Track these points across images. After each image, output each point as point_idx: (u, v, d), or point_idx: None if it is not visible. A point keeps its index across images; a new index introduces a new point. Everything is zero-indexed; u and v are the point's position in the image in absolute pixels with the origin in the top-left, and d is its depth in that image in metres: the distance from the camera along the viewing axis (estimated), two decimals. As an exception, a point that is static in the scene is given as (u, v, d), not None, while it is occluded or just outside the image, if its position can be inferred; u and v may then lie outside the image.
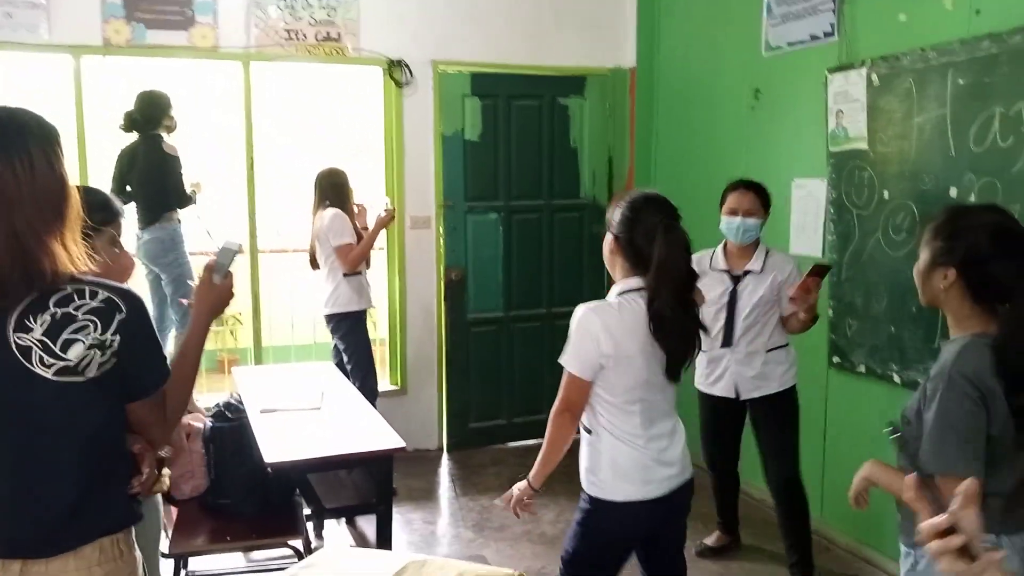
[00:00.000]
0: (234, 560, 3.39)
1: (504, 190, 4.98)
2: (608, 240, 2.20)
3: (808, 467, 3.81)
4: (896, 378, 3.31)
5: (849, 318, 3.55)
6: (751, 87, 4.16)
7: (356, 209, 4.35)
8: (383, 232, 4.55)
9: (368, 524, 3.60)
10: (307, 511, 3.08)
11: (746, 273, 3.21)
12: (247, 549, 3.17)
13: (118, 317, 1.40)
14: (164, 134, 4.31)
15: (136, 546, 1.55)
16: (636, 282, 2.12)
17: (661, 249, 2.06)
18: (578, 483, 2.22)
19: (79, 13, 4.16)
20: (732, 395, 3.25)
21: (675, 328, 2.08)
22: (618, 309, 2.10)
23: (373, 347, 4.50)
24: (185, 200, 4.37)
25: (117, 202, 1.90)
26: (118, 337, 1.39)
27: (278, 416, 2.96)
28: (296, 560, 2.76)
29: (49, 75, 4.81)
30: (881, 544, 3.46)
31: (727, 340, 3.18)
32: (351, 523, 3.81)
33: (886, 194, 3.34)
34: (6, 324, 1.33)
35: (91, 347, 1.37)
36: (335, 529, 3.77)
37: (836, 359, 3.63)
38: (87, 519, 1.42)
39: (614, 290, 2.17)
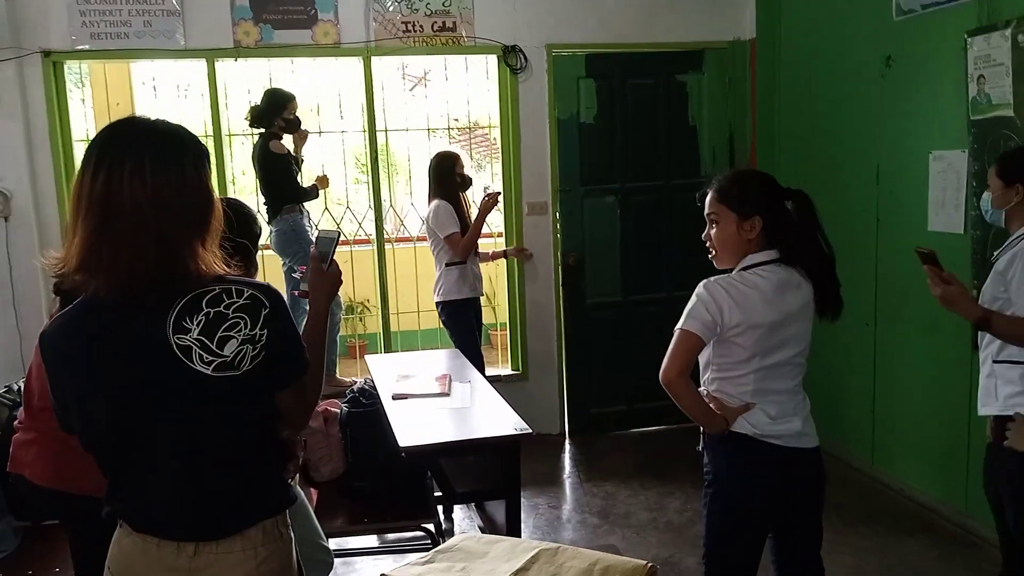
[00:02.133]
0: (368, 541, 3.53)
1: (620, 172, 4.93)
2: (742, 222, 2.16)
3: (952, 457, 3.64)
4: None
5: (996, 298, 3.33)
6: (882, 55, 3.94)
7: (463, 198, 4.43)
8: (501, 218, 4.59)
9: (496, 508, 3.67)
10: (437, 494, 3.16)
11: None
12: (382, 531, 3.29)
13: (263, 312, 1.47)
14: (279, 132, 4.44)
15: (290, 526, 1.64)
16: (766, 255, 2.16)
17: (802, 221, 2.15)
18: (701, 472, 2.25)
19: (211, 18, 4.38)
20: None
21: (834, 290, 2.18)
22: (741, 281, 2.14)
23: (494, 333, 4.56)
24: (303, 195, 4.51)
25: (259, 220, 2.01)
26: (266, 331, 1.47)
27: (409, 402, 3.05)
28: (428, 542, 2.85)
29: (189, 77, 5.10)
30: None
31: None
32: (480, 507, 3.89)
33: (1037, 164, 3.11)
34: (166, 327, 1.42)
35: (243, 342, 1.45)
36: (463, 512, 3.86)
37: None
38: (251, 503, 1.52)
39: (740, 266, 2.19)
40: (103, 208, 1.38)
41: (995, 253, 2.59)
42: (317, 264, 1.77)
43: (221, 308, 1.44)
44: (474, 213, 4.42)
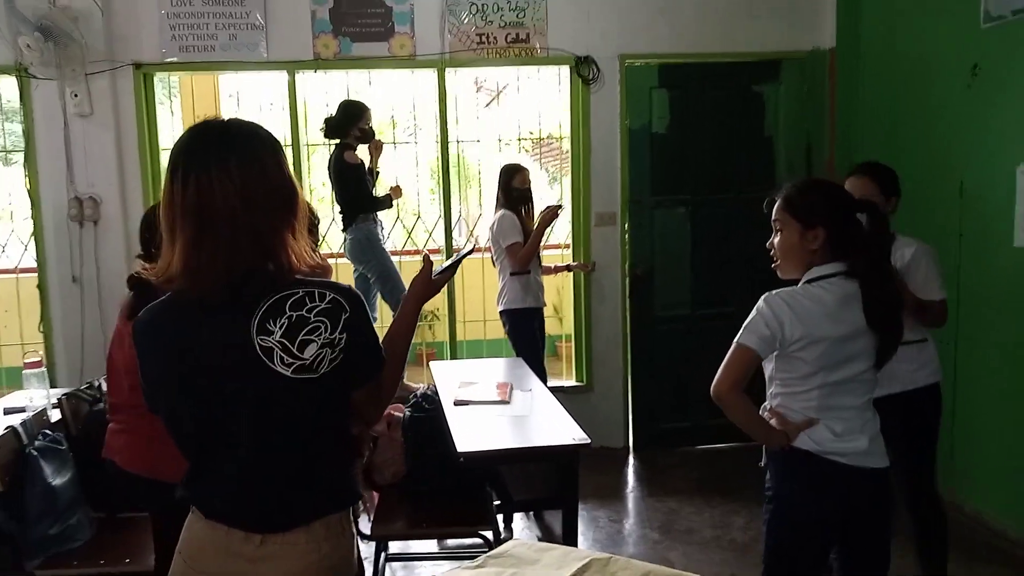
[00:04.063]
0: (429, 546, 3.56)
1: (692, 184, 4.86)
2: (806, 232, 2.11)
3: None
4: None
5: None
6: (969, 63, 3.78)
7: (524, 210, 4.47)
8: (568, 228, 4.56)
9: (554, 518, 3.65)
10: (497, 502, 3.17)
11: None
12: (440, 536, 3.31)
13: (344, 316, 1.50)
14: (354, 142, 4.53)
15: (353, 523, 1.67)
16: (831, 268, 2.10)
17: (870, 234, 2.08)
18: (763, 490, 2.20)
19: (293, 31, 4.53)
20: None
21: (889, 312, 2.08)
22: (804, 295, 2.09)
23: (560, 344, 4.55)
24: (376, 204, 4.59)
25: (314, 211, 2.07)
26: (345, 335, 1.50)
27: (470, 408, 3.07)
28: (486, 549, 2.86)
29: (271, 88, 5.26)
30: None
31: None
32: (539, 517, 3.89)
33: None
34: (250, 328, 1.46)
35: (323, 346, 1.48)
36: (523, 522, 3.86)
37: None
38: (318, 498, 1.56)
39: (804, 278, 2.14)
40: (197, 214, 1.43)
41: None
42: (428, 268, 1.80)
43: (303, 312, 1.47)
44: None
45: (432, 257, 1.87)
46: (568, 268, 4.87)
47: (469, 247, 1.87)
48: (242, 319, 1.46)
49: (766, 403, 2.19)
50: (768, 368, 2.16)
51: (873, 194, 2.83)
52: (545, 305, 4.61)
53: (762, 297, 2.10)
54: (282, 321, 1.46)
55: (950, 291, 3.90)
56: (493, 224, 4.47)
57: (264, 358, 1.45)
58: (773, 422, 2.13)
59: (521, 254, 4.35)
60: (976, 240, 3.77)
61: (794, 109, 4.86)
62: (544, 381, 4.20)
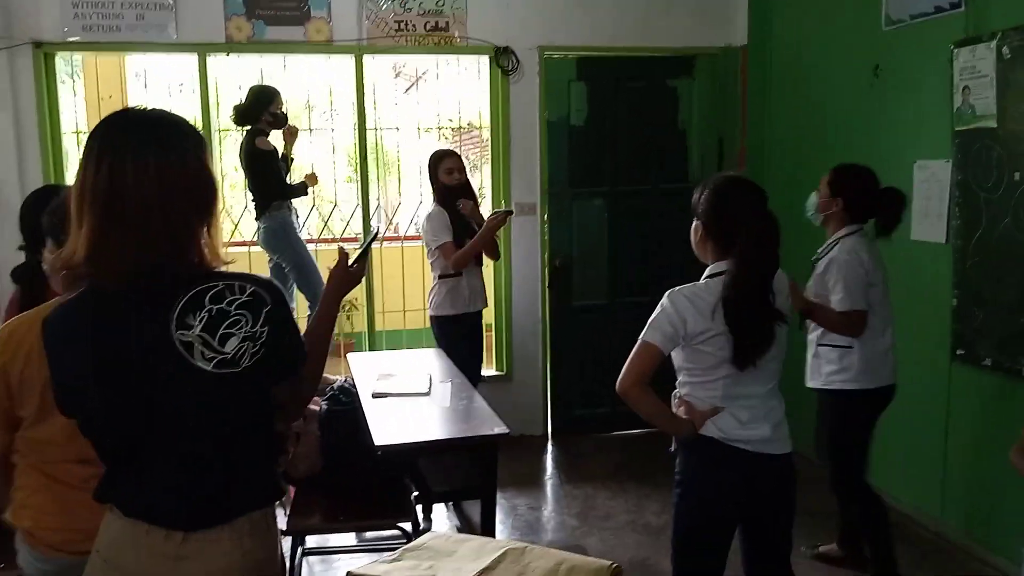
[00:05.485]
0: (348, 539, 3.54)
1: (610, 175, 4.94)
2: (696, 226, 2.23)
3: (928, 465, 3.66)
4: (1027, 372, 3.11)
5: (975, 308, 3.36)
6: (870, 63, 3.96)
7: (461, 205, 4.06)
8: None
9: (474, 508, 3.67)
10: (416, 494, 3.17)
11: None
12: (358, 529, 3.29)
13: (265, 309, 1.49)
14: (266, 128, 4.41)
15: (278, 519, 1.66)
16: (726, 264, 2.15)
17: (745, 234, 2.08)
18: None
19: (204, 12, 4.38)
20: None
21: (748, 316, 2.09)
22: (706, 290, 2.14)
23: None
24: (291, 192, 4.49)
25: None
26: (267, 328, 1.49)
27: (388, 401, 3.06)
28: (405, 541, 2.86)
29: (181, 70, 5.09)
30: (1003, 547, 3.27)
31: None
32: (458, 507, 3.90)
33: (1017, 176, 3.13)
34: (169, 323, 1.43)
35: (244, 340, 1.46)
36: (444, 513, 3.87)
37: (960, 352, 3.44)
38: (241, 494, 1.54)
39: (705, 273, 2.21)
40: (108, 199, 1.39)
41: (818, 251, 3.10)
42: (344, 258, 1.79)
43: (223, 305, 1.45)
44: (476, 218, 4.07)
45: (346, 247, 1.86)
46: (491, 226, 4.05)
47: (375, 231, 1.87)
48: (161, 313, 1.43)
49: (675, 391, 2.26)
50: (677, 359, 2.23)
51: (823, 192, 3.06)
52: (485, 307, 4.28)
53: (666, 293, 2.16)
54: (202, 315, 1.43)
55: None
56: (423, 221, 4.13)
57: (184, 353, 1.43)
58: (681, 411, 2.20)
59: (456, 257, 3.96)
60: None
61: (707, 104, 4.98)
62: (475, 384, 3.93)
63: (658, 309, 2.16)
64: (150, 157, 1.41)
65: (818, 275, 3.01)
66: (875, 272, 2.98)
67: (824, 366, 3.08)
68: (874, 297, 2.98)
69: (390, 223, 6.28)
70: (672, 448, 2.31)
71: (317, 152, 5.42)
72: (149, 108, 1.52)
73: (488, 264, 5.00)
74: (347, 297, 1.82)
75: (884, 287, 3.05)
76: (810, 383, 3.14)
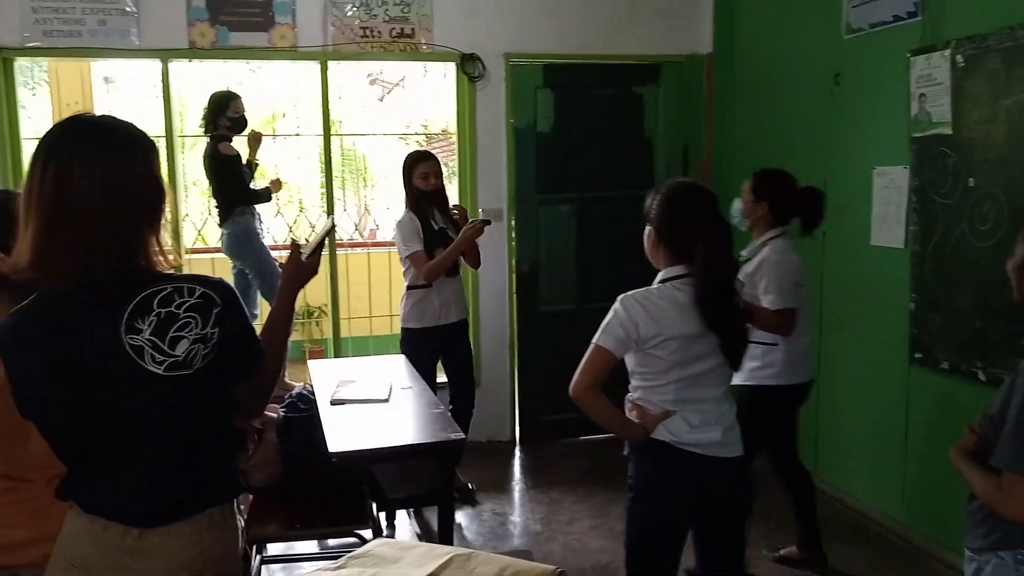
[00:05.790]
0: (309, 546, 3.51)
1: (576, 182, 4.95)
2: (648, 232, 2.23)
3: (888, 467, 3.69)
4: (981, 375, 3.14)
5: (932, 312, 3.39)
6: (832, 71, 4.00)
7: (456, 213, 3.95)
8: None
9: (433, 515, 3.65)
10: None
11: None
12: (316, 537, 3.27)
13: (215, 310, 1.49)
14: (228, 133, 4.38)
15: (238, 514, 1.66)
16: (678, 269, 2.16)
17: (703, 239, 2.09)
18: None
19: (166, 18, 4.35)
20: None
21: (725, 315, 2.12)
22: (658, 295, 2.14)
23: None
24: (254, 197, 4.46)
25: None
26: (218, 329, 1.49)
27: (346, 408, 3.04)
28: (362, 548, 2.84)
29: (144, 78, 5.06)
30: (962, 547, 3.29)
31: None
32: (418, 514, 3.88)
33: (972, 182, 3.17)
34: (119, 328, 1.43)
35: (195, 342, 1.47)
36: (406, 520, 3.85)
37: (918, 355, 3.47)
38: (199, 491, 1.55)
39: (657, 278, 2.21)
40: (54, 204, 1.40)
41: (742, 253, 3.13)
42: (296, 251, 1.78)
43: (172, 308, 1.46)
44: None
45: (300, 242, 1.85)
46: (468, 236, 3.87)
47: (329, 223, 1.85)
48: (110, 318, 1.43)
49: (628, 395, 2.26)
50: (630, 363, 2.23)
51: (747, 198, 3.13)
52: (463, 317, 4.10)
53: (618, 298, 2.17)
54: (150, 319, 1.44)
55: (814, 287, 4.14)
56: (393, 228, 3.99)
57: (135, 357, 1.44)
58: (633, 414, 2.21)
59: (429, 268, 3.79)
60: (837, 239, 3.99)
61: (673, 111, 5.01)
62: (470, 395, 4.05)
63: (610, 314, 2.16)
64: (97, 162, 1.42)
65: (748, 275, 3.04)
66: (802, 272, 3.10)
67: (748, 362, 2.98)
68: (802, 296, 3.08)
69: (357, 225, 6.25)
70: (625, 451, 2.31)
71: (285, 158, 5.41)
72: (100, 115, 1.54)
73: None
74: (316, 303, 1.82)
75: (807, 287, 3.18)
76: (733, 379, 3.12)
